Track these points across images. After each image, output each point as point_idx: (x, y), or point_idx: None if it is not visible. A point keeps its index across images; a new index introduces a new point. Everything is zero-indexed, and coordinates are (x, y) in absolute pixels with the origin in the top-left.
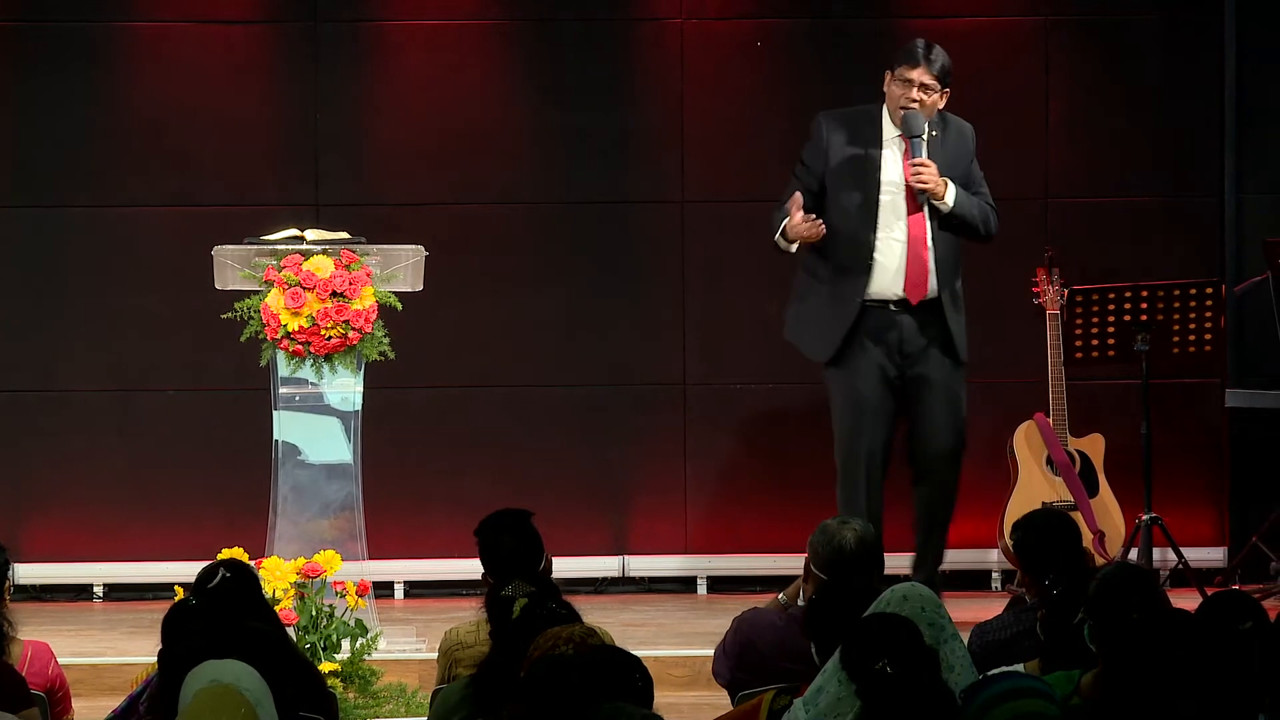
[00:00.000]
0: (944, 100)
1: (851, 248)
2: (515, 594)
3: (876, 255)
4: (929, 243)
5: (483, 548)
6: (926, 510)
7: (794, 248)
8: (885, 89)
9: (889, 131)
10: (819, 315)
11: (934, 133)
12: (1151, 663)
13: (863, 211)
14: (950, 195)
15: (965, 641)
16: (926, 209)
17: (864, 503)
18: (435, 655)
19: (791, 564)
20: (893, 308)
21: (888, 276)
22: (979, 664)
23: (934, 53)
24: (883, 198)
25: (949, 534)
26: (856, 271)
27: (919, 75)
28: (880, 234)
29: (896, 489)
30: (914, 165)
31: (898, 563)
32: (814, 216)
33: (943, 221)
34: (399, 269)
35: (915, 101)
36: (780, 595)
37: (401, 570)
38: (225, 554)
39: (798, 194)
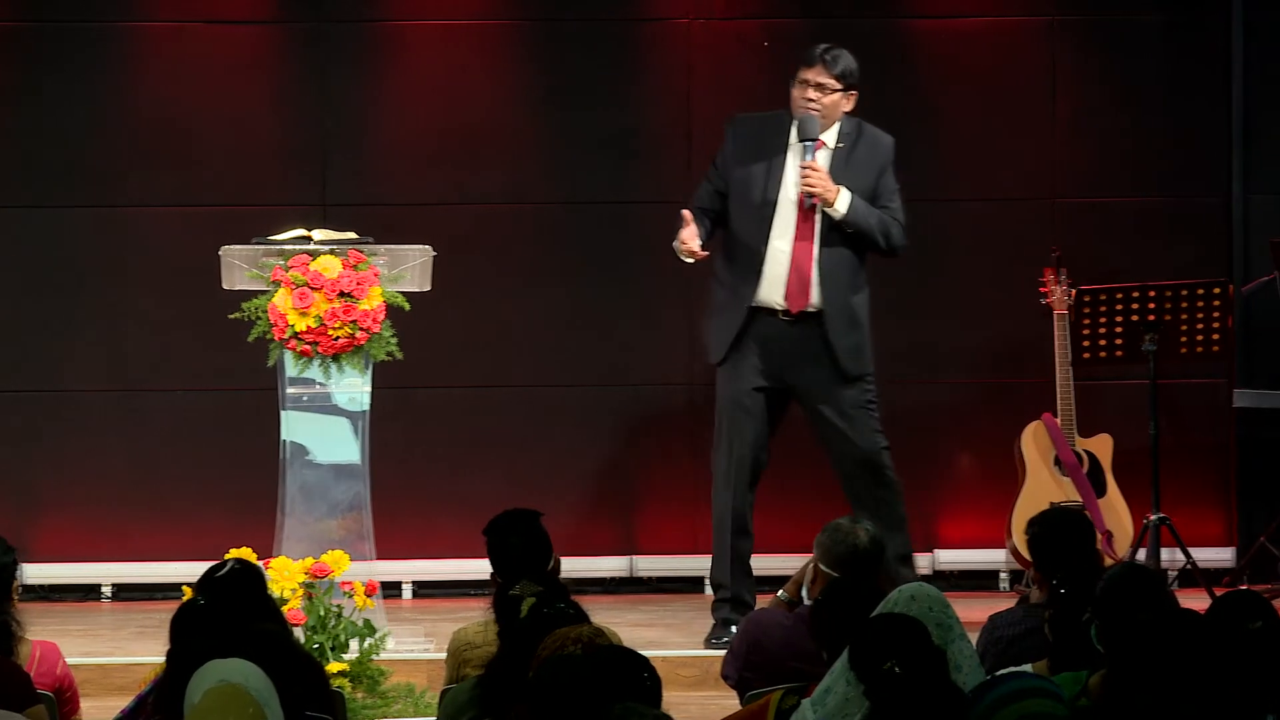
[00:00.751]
0: (849, 102)
1: (746, 253)
2: (523, 593)
3: (766, 262)
4: (815, 253)
5: (491, 547)
6: (858, 505)
7: (688, 259)
8: (791, 93)
9: (794, 137)
10: (716, 318)
11: (840, 144)
12: (1158, 663)
13: (758, 218)
14: (842, 202)
15: (974, 640)
16: (819, 220)
17: (730, 501)
18: (443, 655)
19: (798, 564)
20: (781, 316)
21: (773, 284)
22: (989, 658)
23: (832, 53)
24: (779, 205)
25: (955, 532)
26: (748, 277)
27: (814, 75)
28: (772, 242)
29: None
30: (803, 168)
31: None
32: (699, 243)
33: (832, 230)
34: (407, 269)
35: (810, 101)
36: (780, 593)
37: (409, 570)
38: (233, 554)
39: (685, 212)
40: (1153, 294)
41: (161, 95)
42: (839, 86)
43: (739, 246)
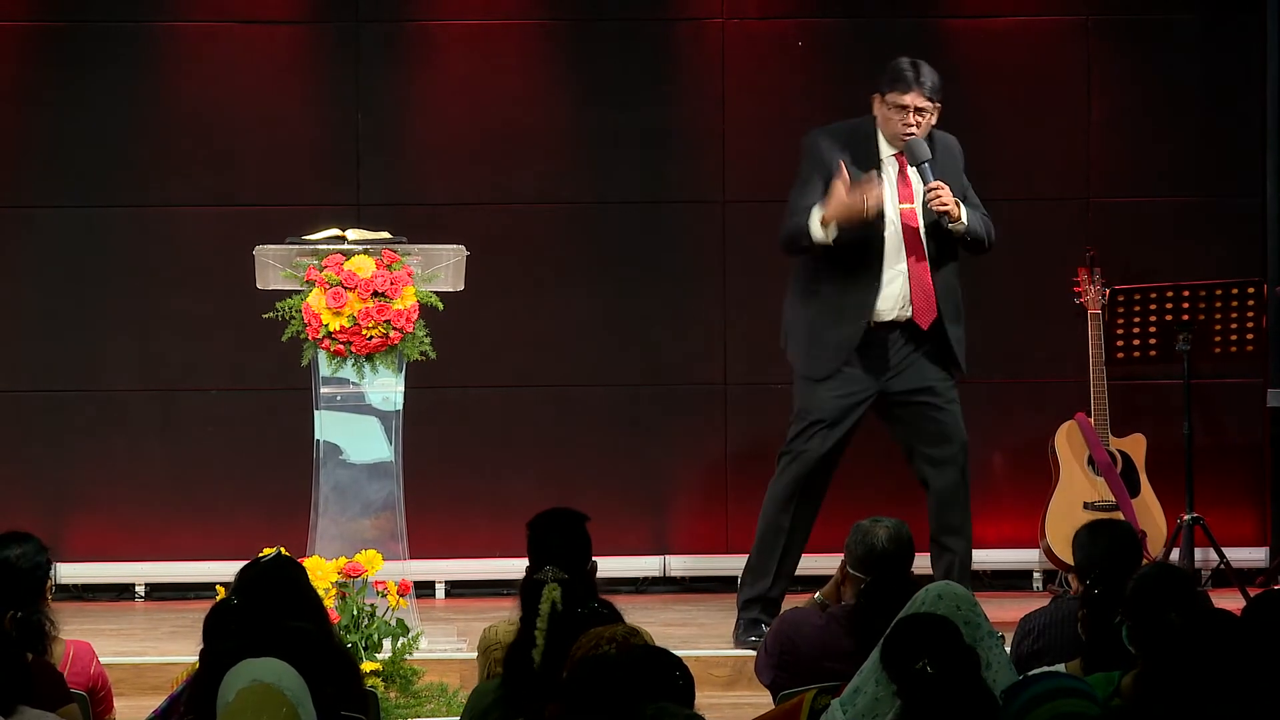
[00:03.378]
0: (937, 115)
1: (856, 270)
2: (548, 579)
3: (882, 279)
4: (929, 267)
5: (531, 541)
6: (942, 496)
7: (831, 235)
8: (875, 110)
9: (885, 150)
10: (822, 335)
11: (934, 156)
12: (1190, 664)
13: (866, 234)
14: (964, 215)
15: (1006, 639)
16: (924, 232)
17: (797, 507)
18: (475, 655)
19: (831, 564)
20: (896, 329)
21: (894, 300)
22: (1021, 652)
23: (923, 73)
24: (889, 231)
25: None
26: (862, 294)
27: (913, 100)
28: (887, 258)
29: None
30: (930, 191)
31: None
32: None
33: (958, 241)
34: (440, 269)
35: (912, 126)
36: (816, 595)
37: (443, 570)
38: (267, 553)
39: (841, 162)
40: (1187, 294)
41: (197, 96)
42: (936, 105)
43: (845, 262)
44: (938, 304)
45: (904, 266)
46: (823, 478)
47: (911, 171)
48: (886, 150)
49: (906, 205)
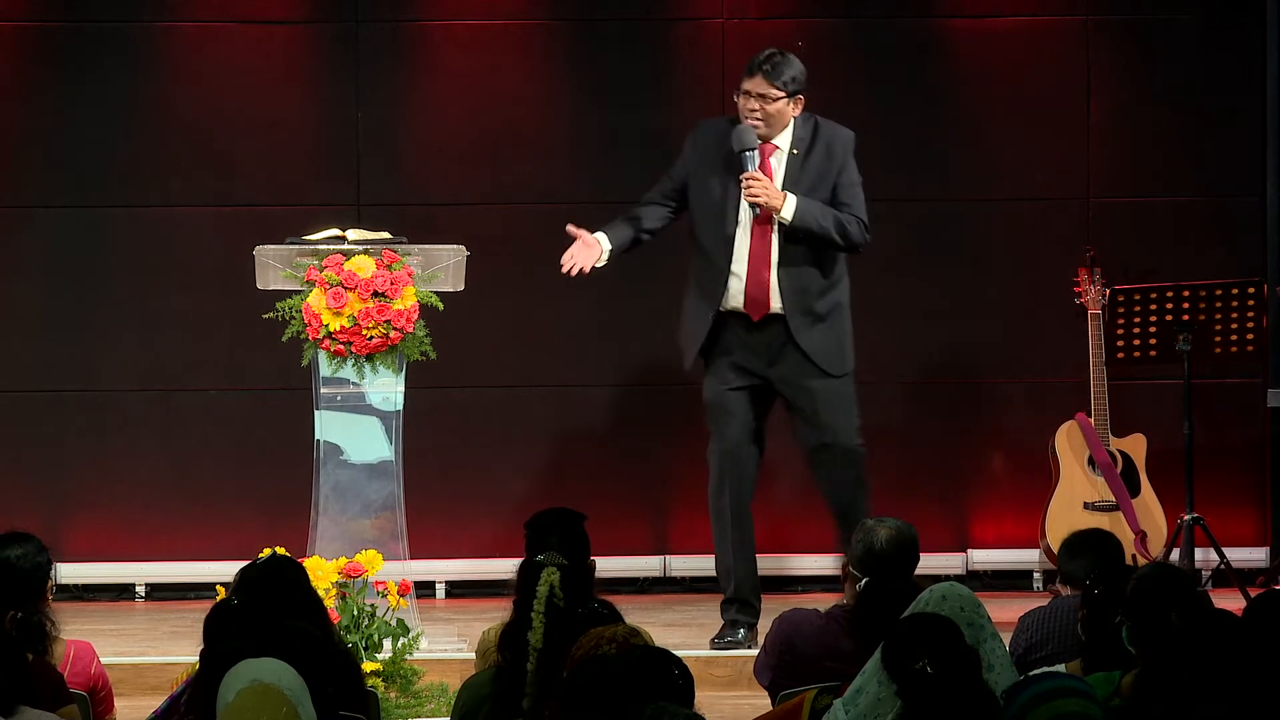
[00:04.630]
0: (797, 107)
1: (710, 261)
2: (546, 562)
3: (730, 269)
4: (774, 259)
5: (529, 542)
6: (830, 500)
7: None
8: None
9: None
10: (686, 325)
11: (794, 149)
12: (1190, 664)
13: (718, 226)
14: (789, 209)
15: (1007, 640)
16: (776, 226)
17: (729, 499)
18: (475, 655)
19: (833, 563)
20: (747, 319)
21: (736, 291)
22: (1019, 651)
23: (772, 61)
24: (741, 213)
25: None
26: (714, 284)
27: (755, 86)
28: (735, 249)
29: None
30: (744, 179)
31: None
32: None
33: (788, 234)
34: (440, 269)
35: (754, 112)
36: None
37: (443, 570)
38: (267, 553)
39: (570, 226)
40: (1187, 294)
41: (196, 96)
42: (782, 94)
43: (703, 254)
44: (776, 298)
45: (745, 259)
46: (746, 469)
47: (776, 166)
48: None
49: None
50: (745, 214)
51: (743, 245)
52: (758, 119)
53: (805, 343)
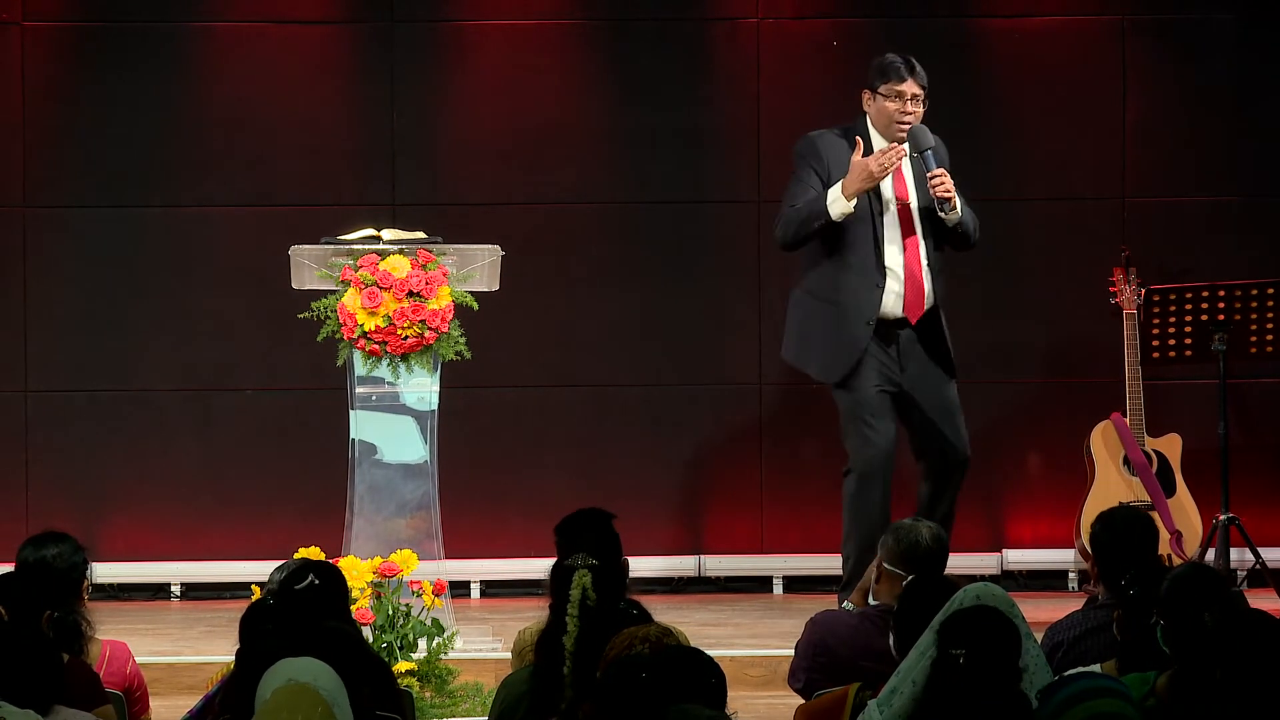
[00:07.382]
0: (924, 110)
1: (854, 270)
2: (578, 564)
3: (888, 274)
4: (923, 259)
5: (560, 547)
6: (932, 506)
7: (852, 205)
8: (866, 107)
9: (879, 146)
10: (826, 336)
11: (933, 145)
12: (1225, 664)
13: (864, 234)
14: (959, 206)
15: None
16: (919, 225)
17: (880, 499)
18: (510, 655)
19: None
20: (899, 327)
21: (891, 297)
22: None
23: (915, 64)
24: (886, 218)
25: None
26: (868, 292)
27: (909, 88)
28: (885, 255)
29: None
30: (934, 178)
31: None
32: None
33: (946, 233)
34: (475, 268)
35: (910, 114)
36: (846, 603)
37: (478, 569)
38: (302, 553)
39: (858, 138)
40: (1222, 293)
41: (232, 96)
42: (926, 97)
43: (844, 265)
44: (929, 299)
45: (900, 261)
46: (890, 473)
47: (905, 167)
48: (881, 146)
49: (901, 201)
50: (891, 219)
51: (895, 251)
52: (910, 121)
53: (949, 338)
